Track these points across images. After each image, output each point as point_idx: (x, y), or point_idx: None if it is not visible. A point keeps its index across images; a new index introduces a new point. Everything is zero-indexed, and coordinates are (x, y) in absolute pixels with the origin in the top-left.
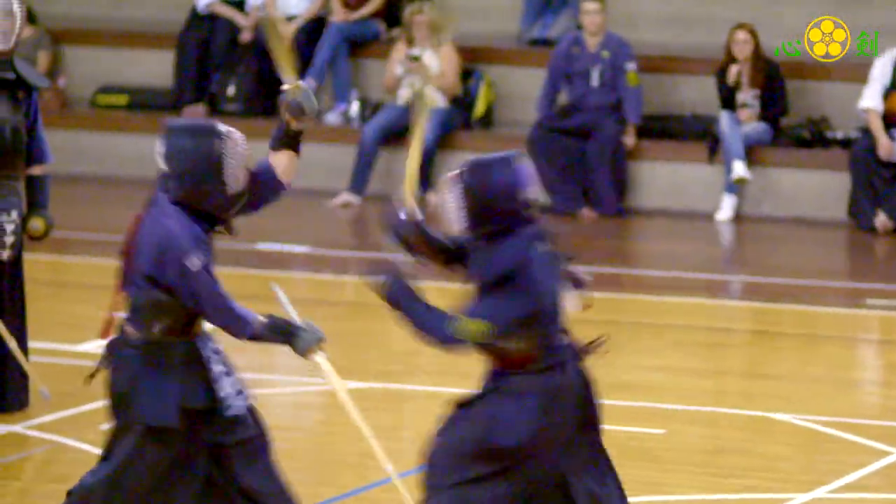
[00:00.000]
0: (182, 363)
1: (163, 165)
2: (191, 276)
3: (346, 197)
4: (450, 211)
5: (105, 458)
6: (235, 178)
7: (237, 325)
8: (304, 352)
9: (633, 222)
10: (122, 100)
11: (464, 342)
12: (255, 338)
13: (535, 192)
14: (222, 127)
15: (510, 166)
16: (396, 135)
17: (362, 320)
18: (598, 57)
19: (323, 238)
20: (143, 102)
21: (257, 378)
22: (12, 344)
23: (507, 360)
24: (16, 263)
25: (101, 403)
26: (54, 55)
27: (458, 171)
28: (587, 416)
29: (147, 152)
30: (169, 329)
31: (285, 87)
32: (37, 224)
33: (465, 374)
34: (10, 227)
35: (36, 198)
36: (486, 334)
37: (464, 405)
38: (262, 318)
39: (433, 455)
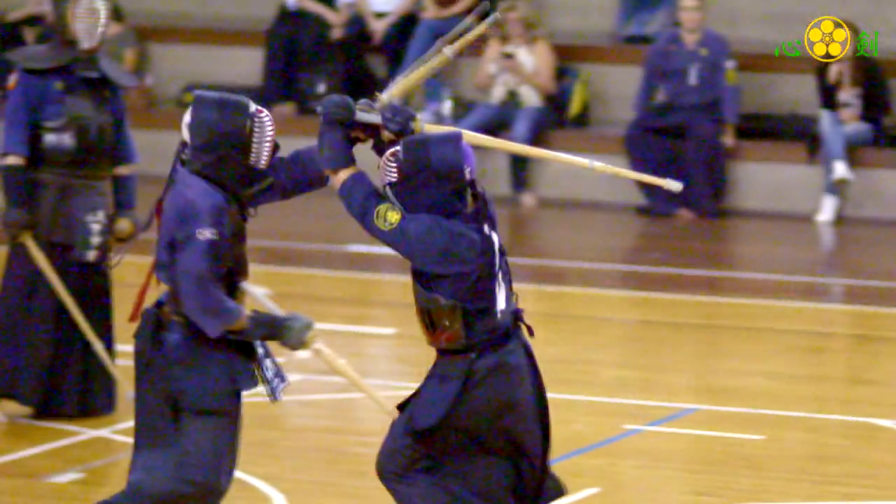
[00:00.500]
0: (226, 345)
1: (186, 135)
2: (192, 245)
3: None
4: (386, 167)
5: (151, 444)
6: (258, 155)
7: (218, 314)
8: (297, 342)
9: (730, 224)
10: None
11: (370, 213)
12: (238, 332)
13: (472, 172)
14: (252, 104)
15: (449, 144)
16: (490, 134)
17: None
18: (695, 54)
19: None
20: None
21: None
22: (98, 346)
23: (440, 336)
24: (102, 264)
25: None
26: (141, 53)
27: (395, 150)
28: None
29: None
30: None
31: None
32: (123, 225)
33: (557, 379)
34: (96, 228)
35: (122, 198)
36: (390, 225)
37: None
38: (247, 312)
39: (384, 450)
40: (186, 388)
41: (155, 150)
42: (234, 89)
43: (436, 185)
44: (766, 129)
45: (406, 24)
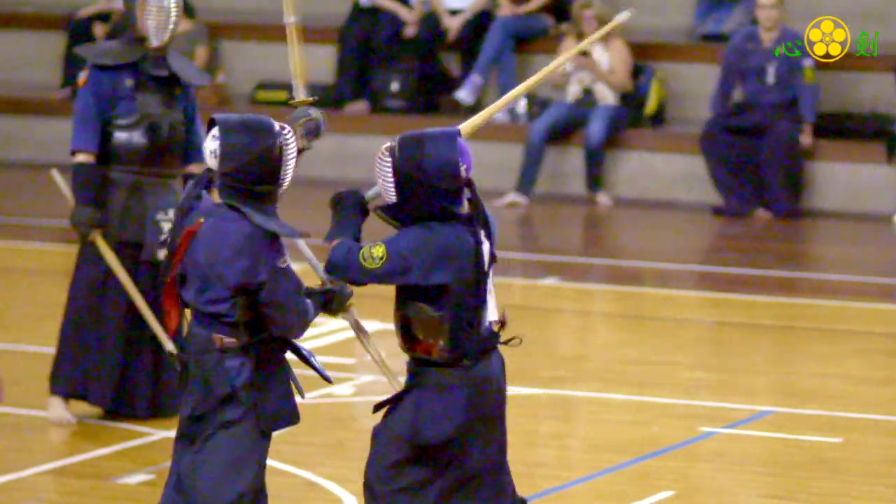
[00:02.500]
0: (283, 358)
1: (213, 163)
2: (280, 276)
3: (514, 197)
4: (381, 185)
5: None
6: (285, 176)
7: (305, 321)
8: (339, 309)
9: (808, 224)
10: (282, 96)
11: (355, 263)
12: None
13: (469, 170)
14: (276, 123)
15: (445, 143)
16: (565, 133)
17: (529, 324)
18: (773, 53)
19: None
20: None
21: None
22: (169, 346)
23: (420, 346)
24: None
25: None
26: (212, 50)
27: (390, 145)
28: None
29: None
30: (266, 328)
31: (295, 100)
32: None
33: (633, 381)
34: (166, 227)
35: None
36: (380, 258)
37: (391, 406)
38: (308, 301)
39: (370, 460)
40: (261, 411)
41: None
42: (307, 87)
43: (430, 184)
44: (844, 128)
45: (480, 22)
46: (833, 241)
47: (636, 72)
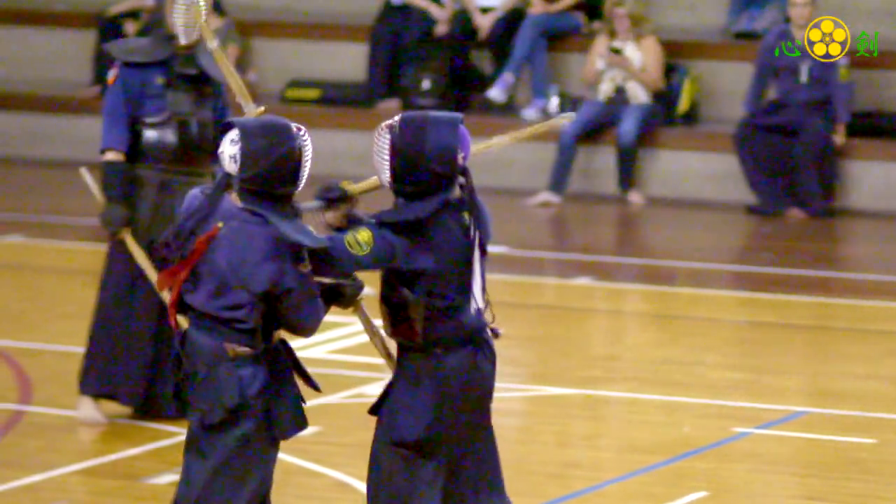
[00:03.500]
0: (291, 364)
1: (231, 167)
2: (304, 279)
3: (545, 196)
4: (377, 161)
5: (219, 470)
6: (303, 177)
7: (319, 320)
8: (348, 305)
9: (842, 223)
10: (313, 94)
11: (343, 254)
12: None
13: (466, 158)
14: (294, 125)
15: (447, 128)
16: (597, 131)
17: (561, 324)
18: (807, 51)
19: (521, 238)
20: (335, 97)
21: None
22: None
23: (402, 330)
24: None
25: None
26: (243, 48)
27: (391, 122)
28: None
29: (339, 148)
30: (273, 335)
31: (248, 113)
32: None
33: (666, 381)
34: None
35: None
36: (367, 244)
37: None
38: (320, 300)
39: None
40: (275, 419)
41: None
42: (338, 85)
43: (426, 166)
44: (878, 126)
45: (512, 20)
46: (867, 240)
47: (669, 70)
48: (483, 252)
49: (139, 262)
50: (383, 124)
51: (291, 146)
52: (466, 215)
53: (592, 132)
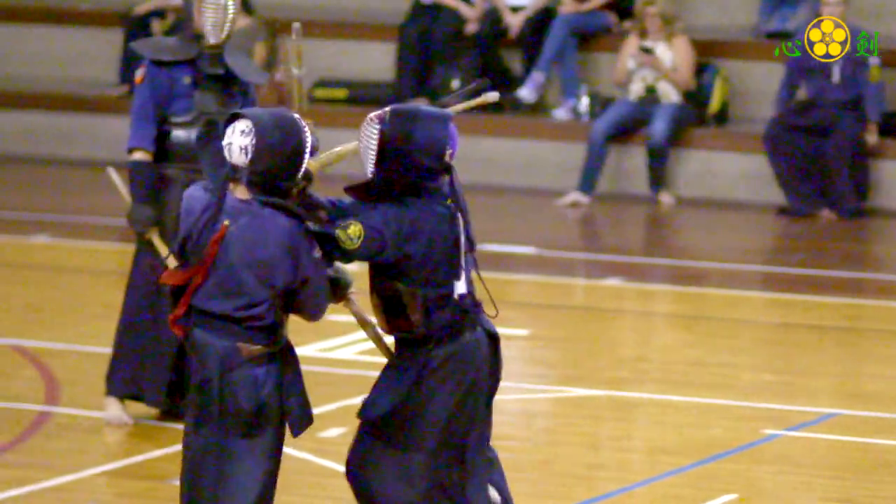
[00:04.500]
0: (296, 360)
1: (240, 159)
2: (320, 267)
3: (575, 196)
4: (363, 151)
5: (229, 476)
6: (303, 168)
7: (328, 303)
8: (340, 299)
9: (874, 224)
10: (341, 94)
11: (344, 254)
12: None
13: (453, 156)
14: (298, 117)
15: (437, 123)
16: (628, 131)
17: (590, 325)
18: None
19: (550, 239)
20: (363, 96)
21: None
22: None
23: (397, 323)
24: None
25: (324, 411)
26: (271, 47)
27: (381, 113)
28: (491, 389)
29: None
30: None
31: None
32: None
33: (695, 382)
34: None
35: None
36: (357, 237)
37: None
38: None
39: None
40: (289, 415)
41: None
42: (366, 84)
43: (413, 159)
44: None
45: (542, 19)
46: None
47: (700, 69)
48: (471, 245)
49: (166, 263)
50: (372, 115)
51: (302, 140)
52: (451, 203)
53: (623, 132)
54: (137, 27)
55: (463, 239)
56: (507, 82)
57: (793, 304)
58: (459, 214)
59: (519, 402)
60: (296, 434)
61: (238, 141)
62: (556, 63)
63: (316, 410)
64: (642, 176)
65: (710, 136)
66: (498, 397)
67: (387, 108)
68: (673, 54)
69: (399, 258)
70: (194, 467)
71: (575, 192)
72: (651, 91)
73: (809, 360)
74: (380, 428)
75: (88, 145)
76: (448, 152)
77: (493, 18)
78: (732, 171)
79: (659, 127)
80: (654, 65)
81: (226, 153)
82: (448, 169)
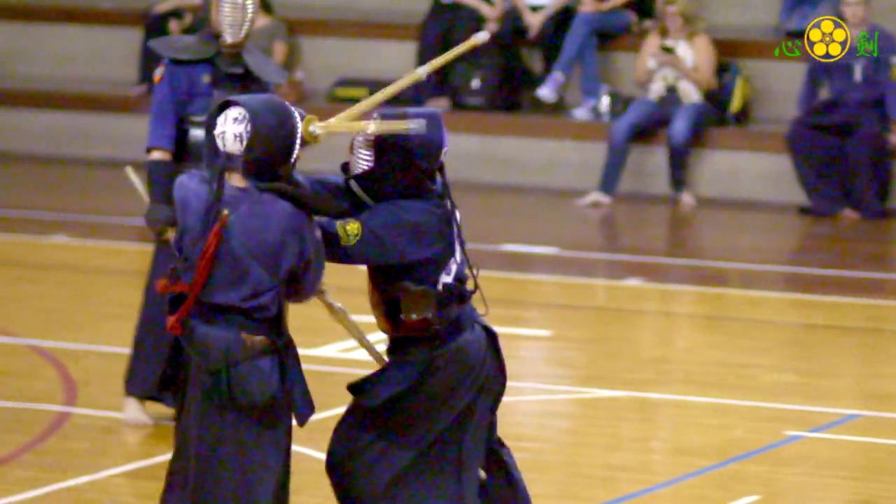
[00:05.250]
0: (295, 351)
1: (235, 146)
2: (321, 248)
3: (596, 196)
4: (358, 155)
5: (246, 467)
6: (295, 153)
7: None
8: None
9: None
10: (361, 93)
11: (340, 251)
12: None
13: (445, 153)
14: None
15: (431, 123)
16: (648, 131)
17: (611, 326)
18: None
19: (571, 239)
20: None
21: None
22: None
23: (409, 324)
24: None
25: (339, 412)
26: (291, 46)
27: (376, 117)
28: (486, 383)
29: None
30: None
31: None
32: None
33: (717, 383)
34: None
35: None
36: (355, 235)
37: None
38: None
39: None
40: (295, 405)
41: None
42: (386, 83)
43: (410, 161)
44: None
45: (562, 18)
46: None
47: (721, 69)
48: (462, 242)
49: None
50: (369, 119)
51: (294, 123)
52: (448, 203)
53: (644, 132)
54: (156, 26)
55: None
56: (526, 82)
57: (815, 304)
58: (453, 208)
59: (540, 402)
60: (301, 424)
61: (232, 129)
62: (576, 62)
63: (335, 411)
64: (663, 176)
65: (731, 135)
66: (519, 398)
67: (374, 114)
68: (694, 53)
69: (403, 262)
70: (206, 460)
71: (596, 192)
72: (672, 91)
73: (831, 360)
74: (373, 420)
75: (107, 145)
76: (443, 150)
77: (513, 18)
78: (754, 170)
79: (680, 127)
80: (674, 64)
81: (218, 143)
82: (440, 167)
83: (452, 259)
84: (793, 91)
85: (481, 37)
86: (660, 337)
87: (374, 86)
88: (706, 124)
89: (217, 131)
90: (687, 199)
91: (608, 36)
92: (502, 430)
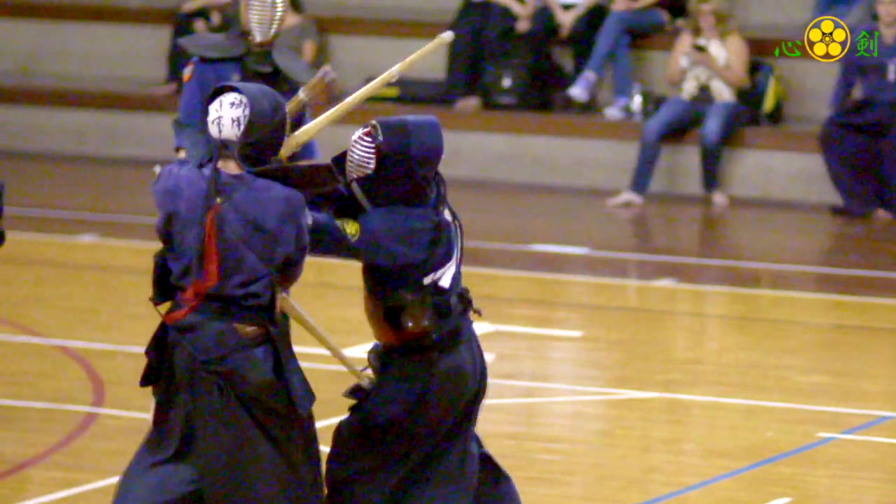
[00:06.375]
0: (289, 341)
1: (232, 132)
2: (309, 231)
3: (627, 196)
4: (355, 169)
5: (251, 454)
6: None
7: None
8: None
9: None
10: (391, 92)
11: (341, 239)
12: None
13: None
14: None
15: (430, 131)
16: (681, 130)
17: (642, 327)
18: (894, 50)
19: (602, 239)
20: (414, 95)
21: (534, 386)
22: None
23: (406, 334)
24: None
25: None
26: (320, 45)
27: (369, 129)
28: (477, 393)
29: None
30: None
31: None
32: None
33: (749, 385)
34: None
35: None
36: (353, 235)
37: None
38: None
39: (332, 447)
40: (294, 393)
41: (336, 145)
42: (417, 83)
43: (411, 169)
44: None
45: (594, 17)
46: None
47: (754, 68)
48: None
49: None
50: (361, 132)
51: (285, 113)
52: (447, 212)
53: (676, 131)
54: (185, 25)
55: (458, 239)
56: (558, 81)
57: (847, 305)
58: (454, 217)
59: (571, 404)
60: (303, 414)
61: (229, 113)
62: (608, 61)
63: None
64: (695, 176)
65: (763, 135)
66: (550, 399)
67: (372, 123)
68: (726, 52)
69: (394, 264)
70: (220, 459)
71: (627, 191)
72: (704, 90)
73: (864, 362)
74: (371, 434)
75: (135, 144)
76: (441, 158)
77: (544, 16)
78: (786, 170)
79: (712, 126)
80: (707, 63)
81: (213, 129)
82: (438, 176)
83: (450, 266)
84: (826, 90)
85: (447, 36)
86: (691, 338)
87: (404, 85)
88: (739, 123)
89: (211, 118)
90: (719, 198)
91: (640, 34)
92: (533, 432)
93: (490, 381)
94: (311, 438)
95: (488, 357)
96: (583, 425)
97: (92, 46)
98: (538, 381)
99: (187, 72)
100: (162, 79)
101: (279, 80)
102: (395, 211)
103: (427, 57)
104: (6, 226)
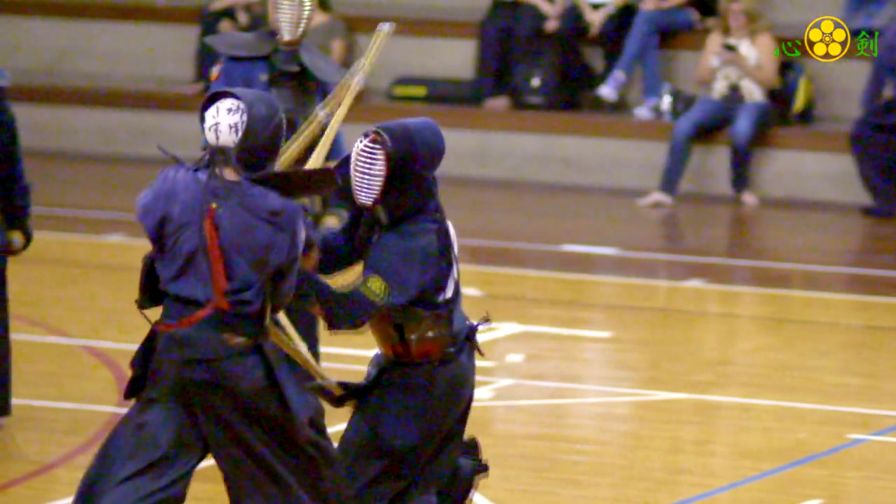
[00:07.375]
0: (279, 352)
1: (230, 139)
2: (304, 244)
3: (657, 196)
4: (365, 179)
5: (267, 464)
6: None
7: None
8: None
9: None
10: (420, 91)
11: (371, 307)
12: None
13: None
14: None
15: (432, 132)
16: (711, 130)
17: (672, 328)
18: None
19: (631, 240)
20: (443, 94)
21: (562, 387)
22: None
23: (417, 349)
24: None
25: None
26: (349, 44)
27: (377, 133)
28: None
29: (449, 147)
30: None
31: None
32: (332, 221)
33: (779, 386)
34: None
35: (332, 195)
36: (386, 293)
37: (358, 403)
38: None
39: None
40: (290, 403)
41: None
42: (445, 82)
43: (419, 173)
44: None
45: (624, 16)
46: None
47: (784, 68)
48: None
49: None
50: (367, 141)
51: (281, 119)
52: (440, 216)
53: (706, 131)
54: (212, 24)
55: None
56: (587, 80)
57: (878, 306)
58: (448, 226)
59: (601, 405)
60: (301, 422)
61: (226, 119)
62: (637, 61)
63: None
64: (725, 176)
65: (794, 135)
66: (579, 400)
67: (374, 130)
68: (757, 52)
69: (423, 289)
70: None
71: (657, 192)
72: (734, 89)
73: (895, 363)
74: (381, 455)
75: (164, 143)
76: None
77: (573, 15)
78: (817, 171)
79: (743, 126)
80: (737, 63)
81: (210, 136)
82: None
83: (452, 275)
84: (856, 90)
85: (385, 28)
86: (721, 339)
87: (433, 84)
88: (769, 123)
89: (208, 124)
90: (749, 199)
91: (670, 34)
92: (561, 433)
93: (518, 382)
94: (312, 444)
95: (517, 358)
96: (611, 426)
97: (119, 46)
98: (567, 382)
99: (215, 70)
100: (189, 78)
101: (307, 79)
102: (400, 236)
103: (458, 56)
104: (33, 225)
